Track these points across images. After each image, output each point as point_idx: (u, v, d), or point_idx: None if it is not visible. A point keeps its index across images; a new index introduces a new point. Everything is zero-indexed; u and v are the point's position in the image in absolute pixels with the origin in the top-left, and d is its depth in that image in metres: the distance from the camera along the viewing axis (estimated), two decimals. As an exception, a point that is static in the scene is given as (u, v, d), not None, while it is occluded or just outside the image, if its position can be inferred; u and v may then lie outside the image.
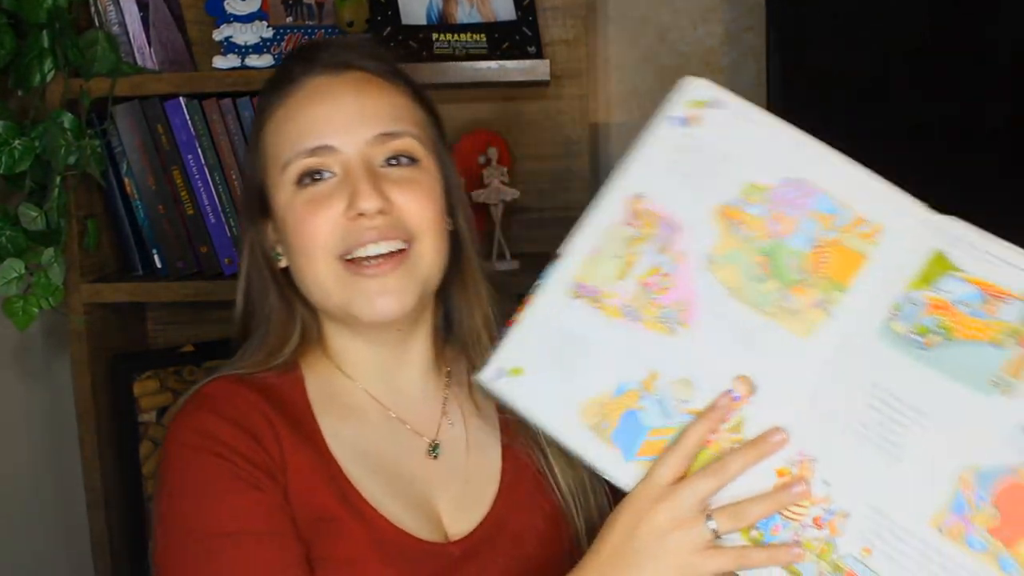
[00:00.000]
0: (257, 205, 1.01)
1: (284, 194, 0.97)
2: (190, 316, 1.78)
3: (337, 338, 1.02)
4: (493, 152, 1.68)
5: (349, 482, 0.95)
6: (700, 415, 0.80)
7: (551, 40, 1.72)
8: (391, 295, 0.95)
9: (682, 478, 0.80)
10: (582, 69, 1.73)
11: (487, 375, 0.86)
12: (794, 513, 0.77)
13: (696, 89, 0.86)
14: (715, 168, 0.84)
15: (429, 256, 0.97)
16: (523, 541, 0.93)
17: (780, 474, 0.78)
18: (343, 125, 0.96)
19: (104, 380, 1.64)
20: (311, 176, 0.96)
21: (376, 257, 0.94)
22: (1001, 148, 1.59)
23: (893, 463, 0.75)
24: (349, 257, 0.95)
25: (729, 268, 0.81)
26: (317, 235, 0.95)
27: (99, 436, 1.62)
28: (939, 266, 0.78)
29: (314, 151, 0.95)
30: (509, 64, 1.56)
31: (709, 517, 0.79)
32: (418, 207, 0.96)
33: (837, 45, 1.62)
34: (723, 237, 0.82)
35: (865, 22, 1.61)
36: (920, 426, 0.75)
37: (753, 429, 0.79)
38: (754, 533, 0.78)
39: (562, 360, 0.84)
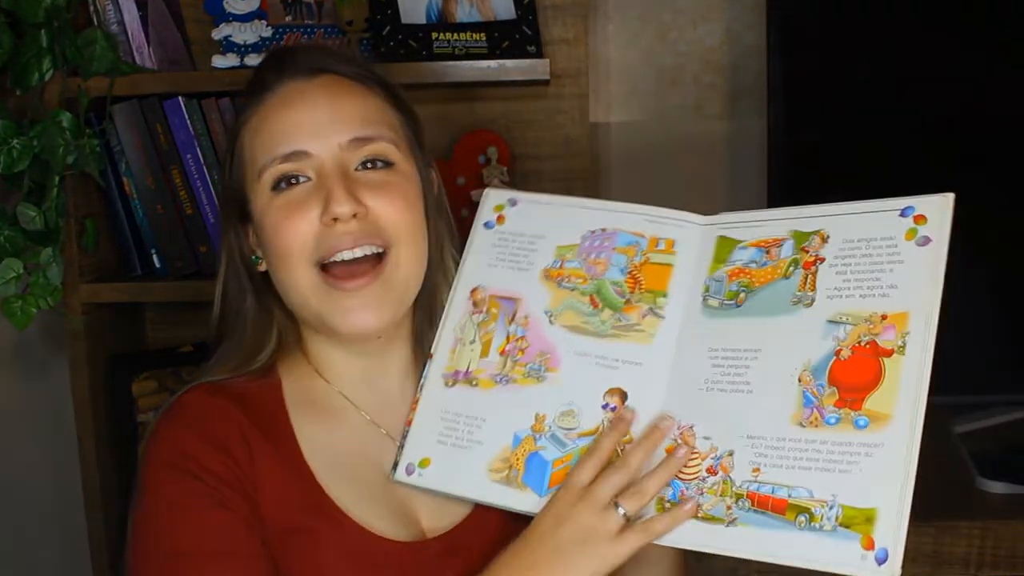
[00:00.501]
0: (237, 210, 1.01)
1: (261, 200, 0.97)
2: (189, 316, 1.77)
3: (316, 344, 1.02)
4: (493, 152, 1.67)
5: (322, 490, 0.95)
6: (611, 425, 0.92)
7: (551, 39, 1.71)
8: (369, 310, 0.96)
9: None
10: (582, 68, 1.72)
11: (400, 474, 0.98)
12: (690, 473, 0.89)
13: (496, 197, 1.07)
14: (528, 247, 1.03)
15: (406, 264, 0.98)
16: (506, 536, 0.93)
17: (668, 451, 0.90)
18: (316, 129, 0.96)
19: (103, 380, 1.64)
20: (286, 181, 0.96)
21: (352, 263, 0.95)
22: (1004, 144, 1.59)
23: (748, 396, 0.89)
24: (325, 263, 0.95)
25: (567, 314, 0.98)
26: (293, 240, 0.95)
27: (97, 436, 1.62)
28: (725, 246, 0.96)
29: (288, 156, 0.95)
30: (509, 63, 1.55)
31: (617, 505, 0.86)
32: (393, 211, 0.96)
33: (838, 44, 1.62)
34: (554, 293, 1.00)
35: (866, 21, 1.61)
36: (756, 360, 0.90)
37: (637, 428, 0.92)
38: (666, 504, 0.89)
39: (459, 437, 0.97)
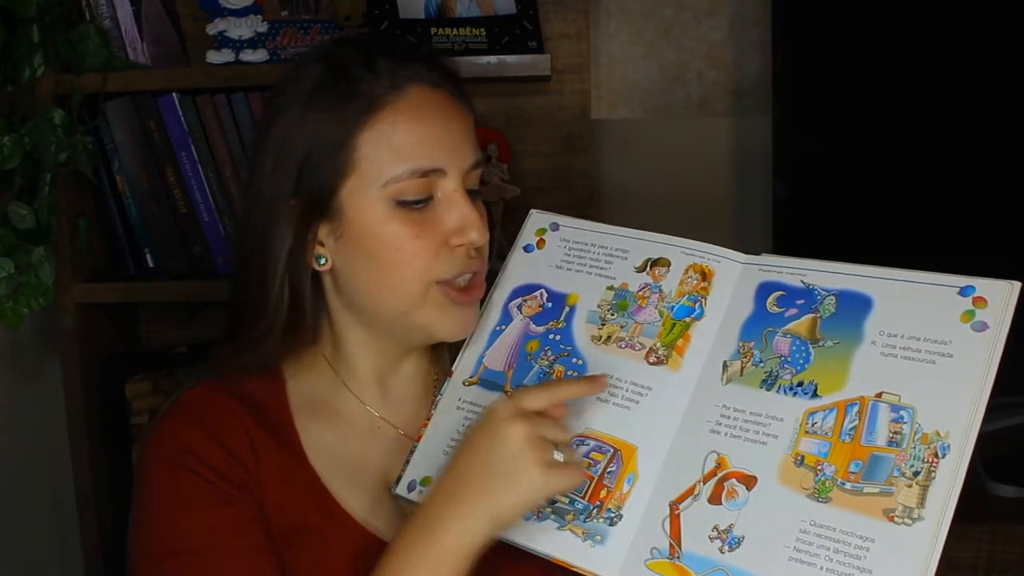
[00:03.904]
0: (315, 204, 0.94)
1: (377, 208, 0.92)
2: (183, 317, 1.75)
3: (349, 342, 1.00)
4: (493, 149, 1.65)
5: (327, 491, 0.95)
6: (586, 378, 0.91)
7: (552, 34, 1.69)
8: (471, 321, 0.98)
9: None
10: (583, 64, 1.71)
11: (401, 489, 0.95)
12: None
13: (538, 220, 1.05)
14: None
15: (484, 278, 0.99)
16: (509, 547, 0.91)
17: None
18: (453, 148, 0.94)
19: (96, 382, 1.62)
20: (417, 199, 0.93)
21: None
22: (1008, 141, 1.57)
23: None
24: (439, 280, 0.94)
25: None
26: (418, 258, 0.92)
27: (91, 438, 1.61)
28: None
29: (427, 172, 0.92)
30: (509, 59, 1.54)
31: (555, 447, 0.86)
32: (487, 239, 0.97)
33: (844, 39, 1.60)
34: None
35: (872, 16, 1.59)
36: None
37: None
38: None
39: None
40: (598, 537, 0.86)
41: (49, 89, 1.51)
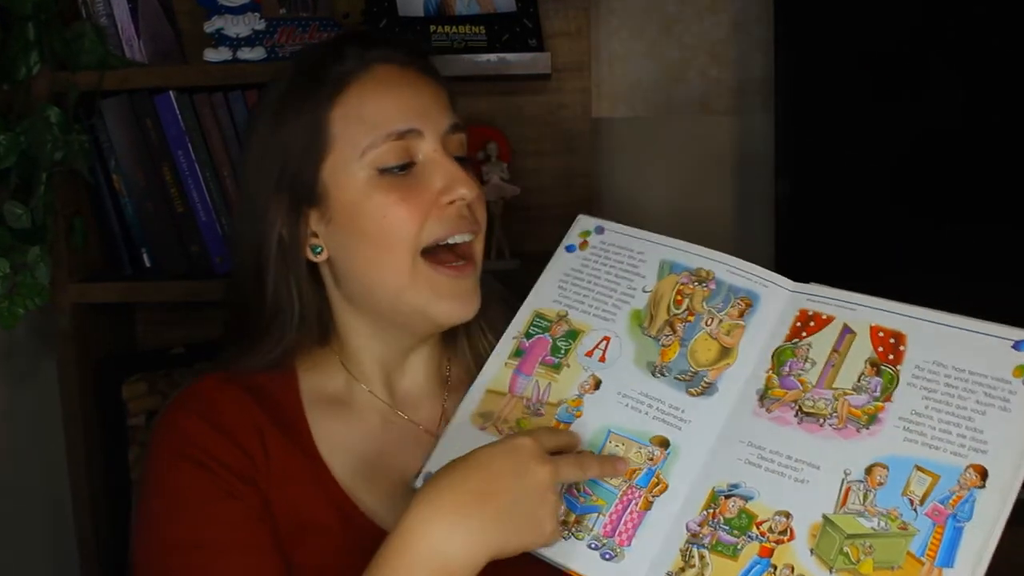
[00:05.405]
0: (301, 193, 0.95)
1: (357, 180, 0.92)
2: (180, 317, 1.74)
3: (354, 336, 0.99)
4: (492, 147, 1.64)
5: (338, 486, 0.94)
6: (609, 460, 0.88)
7: (552, 32, 1.68)
8: (470, 296, 0.96)
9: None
10: (584, 62, 1.69)
11: (419, 483, 0.93)
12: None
13: (585, 223, 1.04)
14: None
15: (481, 254, 0.98)
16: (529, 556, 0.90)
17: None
18: (426, 111, 0.94)
19: (92, 382, 1.61)
20: (398, 164, 0.93)
21: (454, 246, 0.94)
22: (1011, 140, 1.56)
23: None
24: (427, 248, 0.93)
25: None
26: (404, 224, 0.92)
27: (87, 439, 1.59)
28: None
29: (403, 134, 0.92)
30: (509, 57, 1.52)
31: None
32: (481, 203, 0.97)
33: (846, 37, 1.59)
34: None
35: (874, 14, 1.58)
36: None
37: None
38: None
39: None
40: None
41: (45, 87, 1.50)
